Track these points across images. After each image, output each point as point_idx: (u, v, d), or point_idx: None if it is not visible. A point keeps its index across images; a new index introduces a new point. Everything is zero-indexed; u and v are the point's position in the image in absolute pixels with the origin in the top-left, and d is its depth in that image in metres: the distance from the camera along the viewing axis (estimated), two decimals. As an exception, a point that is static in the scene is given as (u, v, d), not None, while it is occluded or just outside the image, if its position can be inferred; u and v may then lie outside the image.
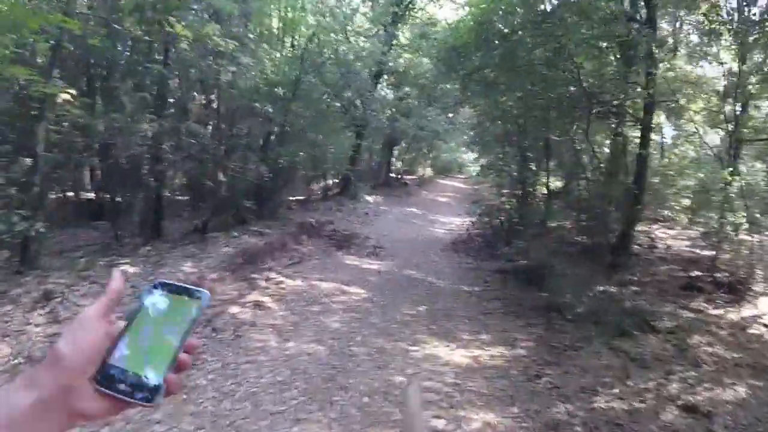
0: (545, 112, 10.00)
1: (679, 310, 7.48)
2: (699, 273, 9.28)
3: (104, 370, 0.60)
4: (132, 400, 0.59)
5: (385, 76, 18.86)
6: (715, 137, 15.03)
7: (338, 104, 16.56)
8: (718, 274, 8.79)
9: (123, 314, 0.65)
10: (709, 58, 12.25)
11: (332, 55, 13.01)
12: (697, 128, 14.16)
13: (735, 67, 11.35)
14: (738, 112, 11.74)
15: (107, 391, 0.59)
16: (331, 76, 13.69)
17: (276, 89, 10.07)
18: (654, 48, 9.45)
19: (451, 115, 20.08)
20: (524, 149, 12.00)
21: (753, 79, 10.38)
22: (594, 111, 9.39)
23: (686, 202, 14.13)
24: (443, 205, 19.99)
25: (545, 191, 12.36)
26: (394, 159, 24.71)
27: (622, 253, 10.11)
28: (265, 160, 9.66)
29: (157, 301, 0.66)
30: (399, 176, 23.70)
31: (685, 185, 13.66)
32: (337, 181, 17.60)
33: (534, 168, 12.11)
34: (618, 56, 9.85)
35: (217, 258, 7.63)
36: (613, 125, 10.23)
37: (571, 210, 11.61)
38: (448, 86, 16.20)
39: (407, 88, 20.38)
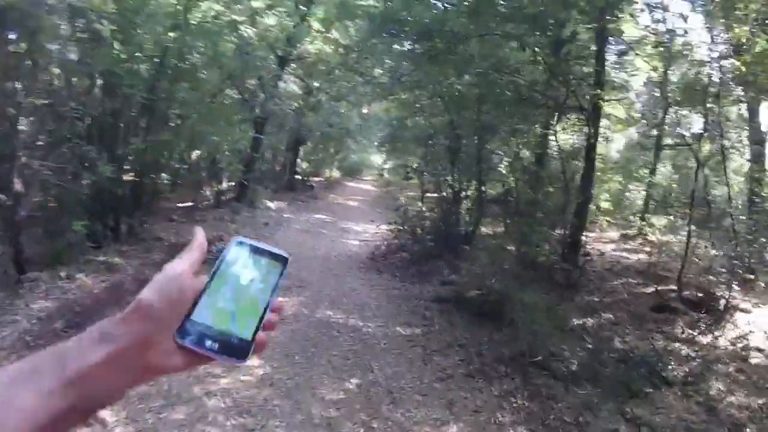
0: (511, 98, 7.70)
1: (670, 344, 5.97)
2: (658, 287, 7.69)
3: (189, 326, 0.54)
4: (220, 357, 0.54)
5: (293, 65, 15.96)
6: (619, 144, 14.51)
7: (236, 93, 13.56)
8: (686, 292, 7.32)
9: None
10: (630, 66, 11.27)
11: (227, 31, 9.94)
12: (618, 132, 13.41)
13: (655, 75, 10.67)
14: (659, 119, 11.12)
15: (193, 347, 0.53)
16: (228, 59, 10.72)
17: (129, 54, 6.79)
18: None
19: (365, 110, 17.47)
20: (456, 149, 9.79)
21: (675, 87, 9.77)
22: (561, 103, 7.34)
23: (606, 204, 13.21)
24: (354, 210, 17.44)
25: (478, 196, 10.23)
26: (300, 160, 21.80)
27: (573, 267, 8.21)
28: (121, 158, 6.49)
29: (238, 259, 0.60)
30: (305, 178, 20.83)
31: (604, 188, 12.80)
32: (233, 184, 14.47)
33: (472, 169, 9.89)
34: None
35: (20, 324, 4.46)
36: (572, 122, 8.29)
37: (513, 218, 9.58)
38: (375, 70, 13.34)
39: (317, 83, 17.62)
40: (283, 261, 0.61)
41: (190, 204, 12.91)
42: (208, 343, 0.54)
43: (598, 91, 8.09)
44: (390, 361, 4.95)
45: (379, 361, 4.91)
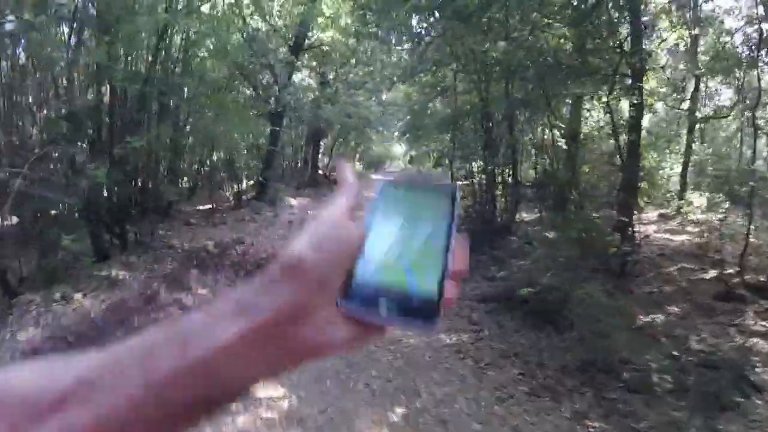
0: (550, 66, 6.82)
1: (747, 339, 5.15)
2: (722, 272, 6.79)
3: (354, 287, 0.41)
4: (401, 324, 0.42)
5: (306, 56, 15.20)
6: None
7: (247, 88, 12.92)
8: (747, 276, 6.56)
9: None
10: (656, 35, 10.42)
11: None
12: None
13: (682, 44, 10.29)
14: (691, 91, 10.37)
15: (361, 314, 0.40)
16: (237, 51, 10.03)
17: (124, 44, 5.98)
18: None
19: (384, 96, 16.58)
20: (487, 129, 8.94)
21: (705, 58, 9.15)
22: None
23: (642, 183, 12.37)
24: (380, 203, 16.69)
25: (514, 180, 9.36)
26: (321, 155, 21.11)
27: (630, 252, 7.38)
28: (118, 160, 5.70)
29: (397, 199, 0.47)
30: (327, 174, 20.10)
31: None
32: (252, 182, 13.84)
33: (505, 151, 9.05)
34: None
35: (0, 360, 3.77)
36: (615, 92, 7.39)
37: (553, 202, 8.72)
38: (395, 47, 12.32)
39: (331, 75, 16.86)
40: (451, 191, 0.47)
41: (209, 207, 12.35)
42: (384, 306, 0.41)
43: (645, 56, 7.24)
44: (438, 380, 4.17)
45: (426, 380, 4.13)
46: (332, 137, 20.20)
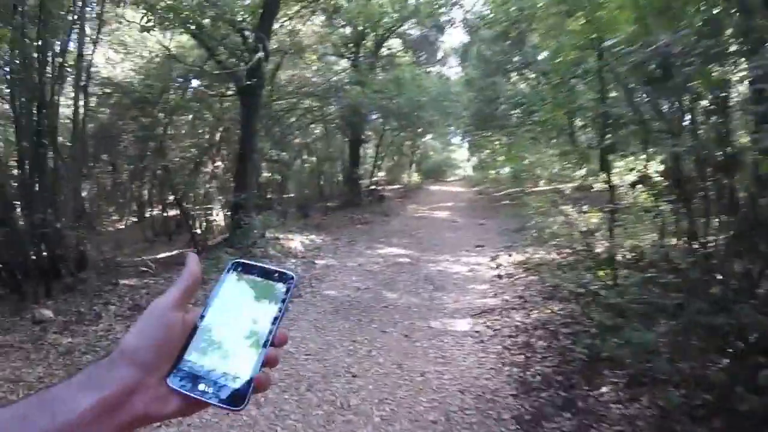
0: None
1: None
2: None
3: (180, 367, 0.45)
4: (214, 403, 0.45)
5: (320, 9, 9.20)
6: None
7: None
8: None
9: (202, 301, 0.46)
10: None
11: None
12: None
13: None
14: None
15: (184, 391, 0.45)
16: None
17: None
18: None
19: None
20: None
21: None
22: None
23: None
24: (446, 226, 10.24)
25: None
26: (368, 167, 14.91)
27: None
28: None
29: (238, 285, 0.50)
30: (373, 188, 13.85)
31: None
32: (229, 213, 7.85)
33: None
34: None
35: None
36: None
37: None
38: None
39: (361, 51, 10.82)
40: (288, 281, 0.50)
41: (163, 256, 6.59)
42: (202, 386, 0.45)
43: None
44: None
45: None
46: (376, 138, 14.04)
